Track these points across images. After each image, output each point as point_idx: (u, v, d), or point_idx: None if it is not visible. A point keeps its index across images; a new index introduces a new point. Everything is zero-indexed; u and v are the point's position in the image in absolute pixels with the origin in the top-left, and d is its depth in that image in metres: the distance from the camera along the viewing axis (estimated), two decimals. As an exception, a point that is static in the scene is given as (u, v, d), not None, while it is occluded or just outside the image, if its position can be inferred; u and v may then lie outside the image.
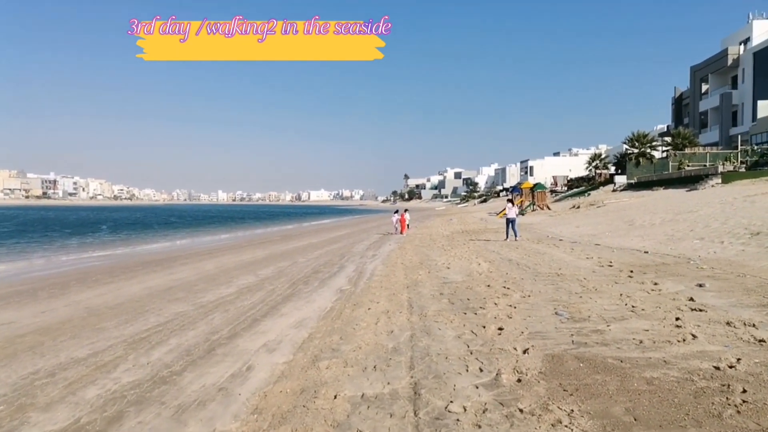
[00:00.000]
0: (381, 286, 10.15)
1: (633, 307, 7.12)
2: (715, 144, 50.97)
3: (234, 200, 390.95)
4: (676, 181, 38.70)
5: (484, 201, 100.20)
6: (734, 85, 54.95)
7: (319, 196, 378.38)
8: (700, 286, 8.34)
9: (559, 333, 6.01)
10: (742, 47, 54.09)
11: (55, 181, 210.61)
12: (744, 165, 35.87)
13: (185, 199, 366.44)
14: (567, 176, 76.71)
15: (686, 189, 34.12)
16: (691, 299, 7.38)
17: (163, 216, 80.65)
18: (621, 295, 8.01)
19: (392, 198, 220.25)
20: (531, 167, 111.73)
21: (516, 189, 47.92)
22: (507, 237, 19.57)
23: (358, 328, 6.76)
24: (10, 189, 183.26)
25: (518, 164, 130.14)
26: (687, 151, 46.01)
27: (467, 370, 4.88)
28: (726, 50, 55.38)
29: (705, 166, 39.60)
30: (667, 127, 69.89)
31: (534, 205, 40.77)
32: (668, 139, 53.71)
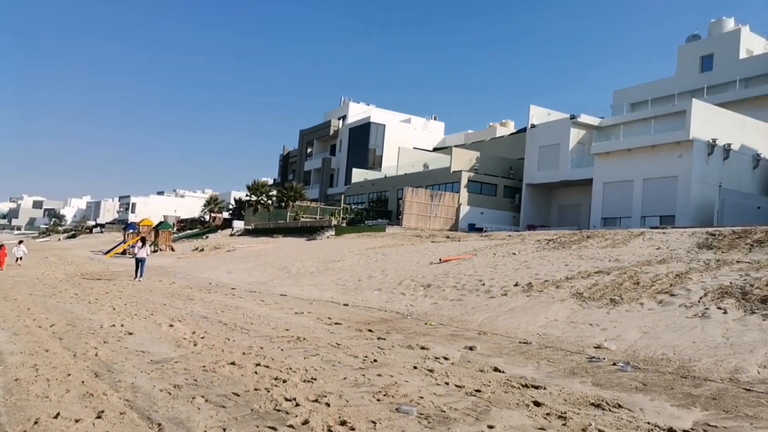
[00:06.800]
0: (44, 376, 5.84)
1: (458, 386, 5.78)
2: (316, 200, 57.82)
3: None
4: (294, 230, 41.27)
5: (74, 236, 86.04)
6: (333, 152, 64.16)
7: None
8: (471, 349, 7.75)
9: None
10: (341, 122, 63.99)
11: None
12: (345, 220, 41.02)
13: None
14: (178, 217, 73.53)
15: (305, 238, 36.53)
16: (497, 369, 6.56)
17: None
18: (415, 367, 6.60)
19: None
20: (134, 204, 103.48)
21: (132, 226, 42.37)
22: (136, 277, 19.05)
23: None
24: None
25: (117, 199, 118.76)
26: (299, 203, 50.37)
27: None
28: (329, 122, 64.58)
29: (316, 218, 43.73)
30: (274, 180, 75.84)
31: (156, 245, 36.47)
32: (274, 192, 57.85)
